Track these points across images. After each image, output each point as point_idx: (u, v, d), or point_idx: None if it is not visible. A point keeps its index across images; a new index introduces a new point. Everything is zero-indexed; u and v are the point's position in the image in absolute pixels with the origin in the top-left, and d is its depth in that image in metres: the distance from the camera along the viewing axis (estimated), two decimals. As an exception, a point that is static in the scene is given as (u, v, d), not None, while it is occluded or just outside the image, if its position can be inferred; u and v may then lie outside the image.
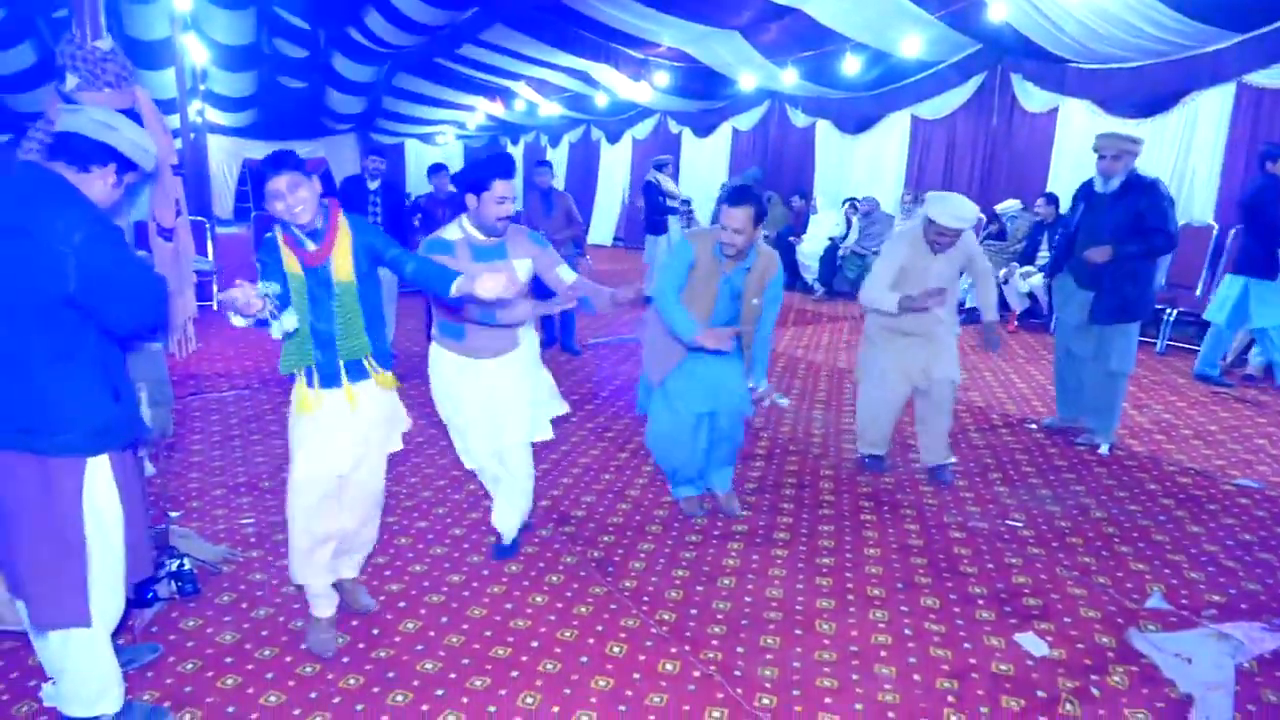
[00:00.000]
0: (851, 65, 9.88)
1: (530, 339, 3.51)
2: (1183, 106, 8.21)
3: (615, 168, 17.62)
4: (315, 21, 12.77)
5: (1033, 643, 2.91)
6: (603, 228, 17.55)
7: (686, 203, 10.87)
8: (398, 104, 17.47)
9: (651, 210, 9.85)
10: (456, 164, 22.24)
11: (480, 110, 18.22)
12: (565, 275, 3.31)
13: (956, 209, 4.02)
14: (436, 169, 7.61)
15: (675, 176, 13.81)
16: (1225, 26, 7.28)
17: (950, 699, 2.61)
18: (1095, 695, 2.63)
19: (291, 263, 2.66)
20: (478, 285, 2.57)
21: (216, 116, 16.80)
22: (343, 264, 2.71)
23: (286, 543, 3.57)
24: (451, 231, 3.25)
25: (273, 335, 2.61)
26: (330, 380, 2.78)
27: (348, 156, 19.32)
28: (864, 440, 4.63)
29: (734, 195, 3.48)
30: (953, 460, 4.54)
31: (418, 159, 21.86)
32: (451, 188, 7.22)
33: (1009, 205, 9.30)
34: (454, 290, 2.63)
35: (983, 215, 9.30)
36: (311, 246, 2.68)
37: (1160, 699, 2.61)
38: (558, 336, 7.73)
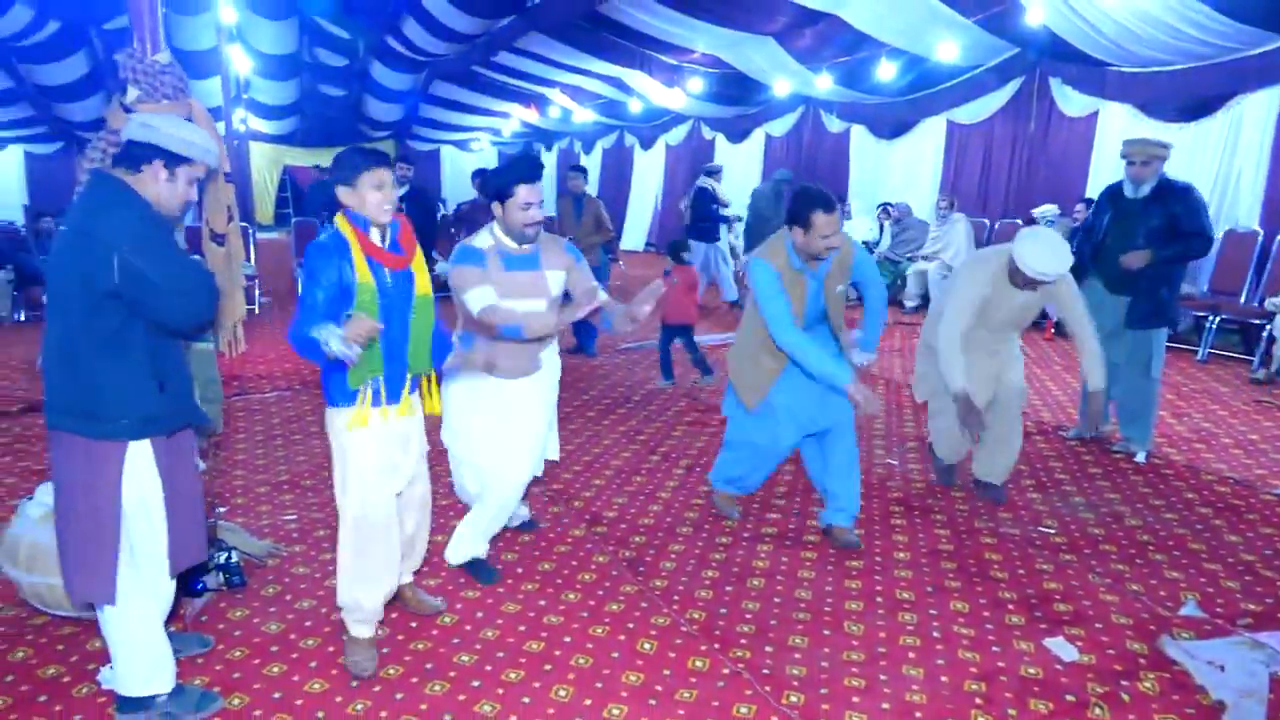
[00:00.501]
0: (887, 70, 9.87)
1: (553, 361, 3.37)
2: (1227, 110, 8.10)
3: (649, 173, 17.70)
4: (355, 31, 13.01)
5: (1062, 647, 2.92)
6: (635, 233, 17.62)
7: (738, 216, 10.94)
8: (434, 111, 17.69)
9: (701, 217, 9.90)
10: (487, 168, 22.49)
11: (515, 117, 18.40)
12: (598, 291, 3.11)
13: (1047, 258, 3.63)
14: (481, 174, 7.73)
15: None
16: (1272, 28, 7.18)
17: (978, 701, 2.62)
18: (1125, 700, 2.63)
19: (363, 269, 2.52)
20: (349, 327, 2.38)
21: (258, 124, 17.13)
22: (422, 274, 2.67)
23: (329, 538, 3.71)
24: (482, 239, 3.11)
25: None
26: (394, 396, 2.69)
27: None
28: (940, 446, 4.41)
29: (825, 199, 3.28)
30: (1006, 478, 4.31)
31: (453, 165, 22.13)
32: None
33: (1047, 209, 9.23)
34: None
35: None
36: (391, 253, 2.60)
37: (1191, 705, 2.61)
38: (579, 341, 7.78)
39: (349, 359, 2.33)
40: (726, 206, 10.19)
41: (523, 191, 2.96)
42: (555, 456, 3.59)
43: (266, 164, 19.88)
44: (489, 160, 22.70)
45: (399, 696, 2.62)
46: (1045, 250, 3.64)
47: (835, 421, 3.59)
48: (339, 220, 2.56)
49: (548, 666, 2.80)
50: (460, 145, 22.26)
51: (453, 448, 3.35)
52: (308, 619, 3.06)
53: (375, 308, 2.52)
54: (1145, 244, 4.55)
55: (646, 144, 17.56)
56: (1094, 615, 3.15)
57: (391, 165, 2.56)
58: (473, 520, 3.37)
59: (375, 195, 2.52)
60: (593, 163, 19.63)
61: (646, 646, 2.92)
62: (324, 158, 19.13)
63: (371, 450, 2.65)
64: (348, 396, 2.62)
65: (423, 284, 2.67)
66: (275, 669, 2.75)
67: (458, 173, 21.17)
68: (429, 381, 2.84)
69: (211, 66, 10.60)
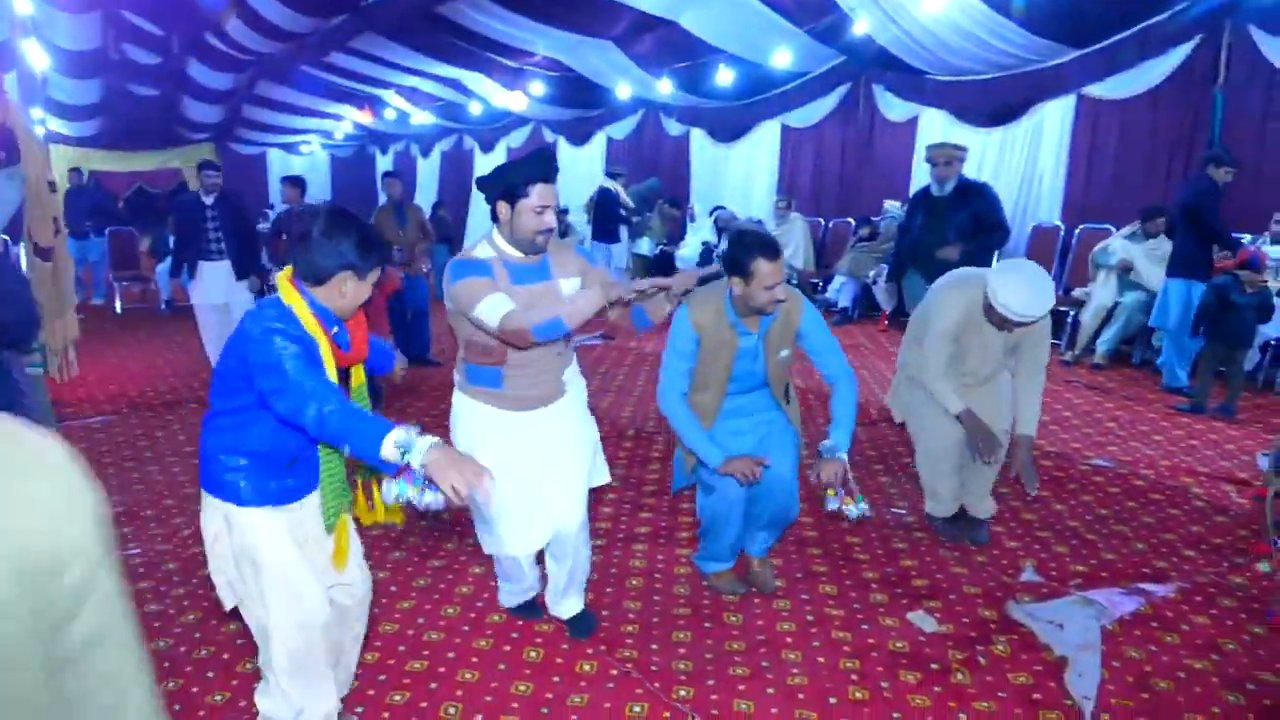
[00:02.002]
0: (725, 76, 10.18)
1: (578, 383, 2.91)
2: (1030, 116, 8.84)
3: (490, 177, 17.49)
4: (169, 27, 12.20)
5: (923, 620, 3.12)
6: (477, 237, 17.36)
7: (639, 213, 11.07)
8: (260, 112, 16.82)
9: (606, 218, 9.95)
10: (321, 175, 21.58)
11: (348, 119, 17.77)
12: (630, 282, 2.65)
13: (1026, 298, 3.16)
14: (291, 181, 7.37)
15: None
16: (1066, 42, 7.89)
17: (854, 677, 2.77)
18: (982, 664, 2.85)
19: (331, 367, 2.09)
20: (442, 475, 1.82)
21: (59, 126, 15.79)
22: (359, 369, 2.33)
23: (180, 571, 3.49)
24: (482, 250, 2.64)
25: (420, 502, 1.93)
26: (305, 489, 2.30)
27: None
28: (934, 498, 3.85)
29: (767, 244, 2.83)
30: (991, 514, 3.87)
31: (282, 169, 21.08)
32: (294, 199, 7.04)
33: (892, 205, 9.78)
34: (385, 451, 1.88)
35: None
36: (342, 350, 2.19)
37: (1039, 662, 2.85)
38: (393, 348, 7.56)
39: (437, 504, 1.90)
40: (630, 209, 10.30)
41: (538, 192, 2.53)
42: (605, 479, 3.07)
43: (68, 168, 18.32)
44: (321, 164, 21.83)
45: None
46: (1025, 288, 3.16)
47: (772, 475, 3.06)
48: (287, 292, 2.07)
49: (433, 685, 2.74)
50: (289, 148, 21.28)
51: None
52: (165, 660, 2.88)
53: None
54: (955, 237, 4.96)
55: (487, 147, 17.35)
56: (948, 588, 3.38)
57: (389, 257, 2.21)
58: (554, 574, 2.96)
59: (366, 292, 2.14)
60: (431, 166, 19.23)
61: (532, 655, 2.91)
62: (134, 161, 17.82)
63: (292, 548, 2.18)
64: (263, 495, 2.16)
65: (357, 376, 2.32)
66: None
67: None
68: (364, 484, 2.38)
69: (5, 61, 9.69)
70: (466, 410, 2.77)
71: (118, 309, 10.80)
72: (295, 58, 12.68)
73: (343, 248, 2.04)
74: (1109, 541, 3.80)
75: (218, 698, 2.67)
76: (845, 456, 2.90)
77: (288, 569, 2.15)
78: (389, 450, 1.82)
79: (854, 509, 2.89)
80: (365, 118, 17.08)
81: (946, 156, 5.05)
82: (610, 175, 10.26)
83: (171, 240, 7.43)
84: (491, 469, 2.27)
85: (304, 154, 21.49)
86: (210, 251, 6.12)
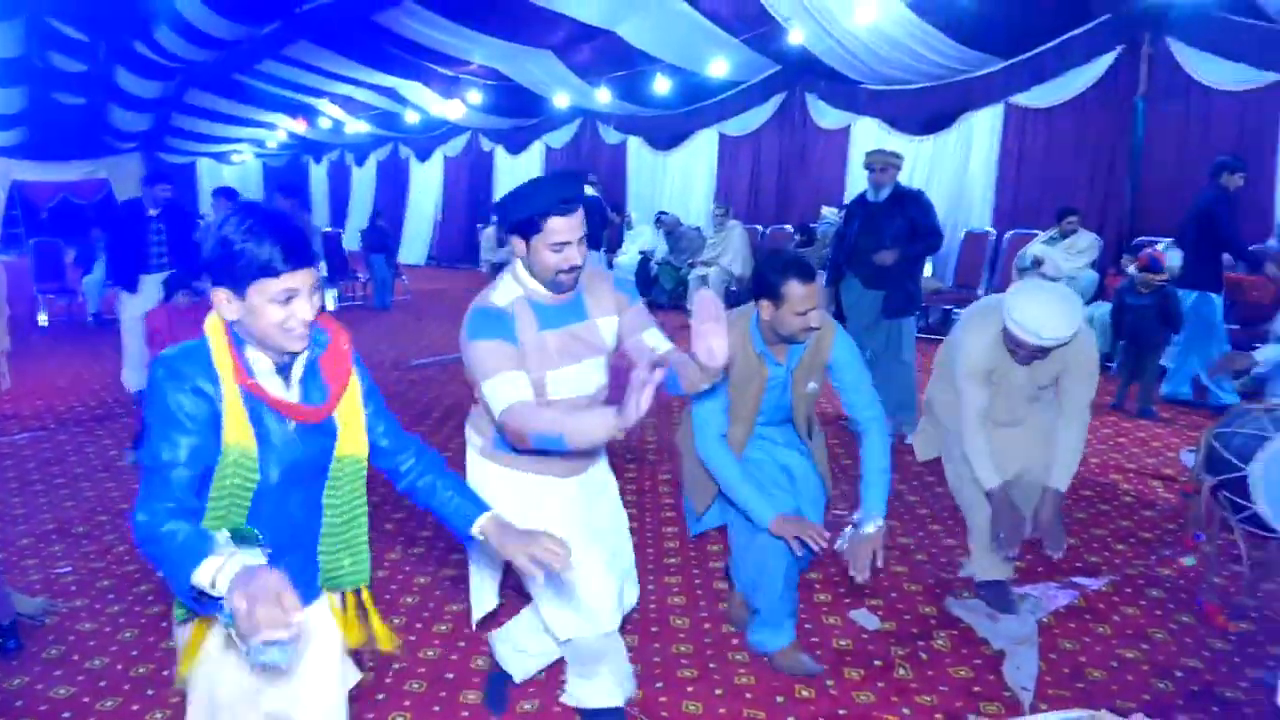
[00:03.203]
0: (662, 85, 10.27)
1: (602, 463, 2.52)
2: (960, 124, 9.10)
3: (427, 186, 17.35)
4: (95, 34, 11.87)
5: (866, 618, 3.18)
6: (416, 247, 17.20)
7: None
8: (189, 121, 16.45)
9: (594, 226, 9.93)
10: (254, 184, 21.14)
11: (281, 128, 17.46)
12: (655, 342, 2.26)
13: (1044, 317, 2.72)
14: (223, 194, 7.15)
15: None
16: (993, 53, 8.15)
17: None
18: (923, 659, 2.91)
19: (237, 417, 1.52)
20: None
21: (-21, 135, 15.25)
22: (353, 424, 1.69)
23: (115, 588, 3.40)
24: (504, 292, 2.19)
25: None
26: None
27: (133, 177, 17.94)
28: (980, 564, 3.25)
29: (801, 267, 2.54)
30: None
31: (212, 179, 20.59)
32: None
33: (829, 212, 9.93)
34: (476, 531, 1.73)
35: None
36: (295, 396, 1.62)
37: (978, 656, 2.93)
38: None
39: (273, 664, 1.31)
40: (618, 212, 10.36)
41: (553, 227, 2.08)
42: (633, 601, 2.54)
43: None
44: (252, 173, 21.37)
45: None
46: (1043, 306, 2.74)
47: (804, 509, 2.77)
48: (211, 322, 1.57)
49: (380, 696, 2.71)
50: (219, 158, 20.82)
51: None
52: (101, 679, 2.79)
53: (248, 480, 1.54)
54: (891, 242, 5.07)
55: (423, 156, 17.21)
56: (889, 586, 3.45)
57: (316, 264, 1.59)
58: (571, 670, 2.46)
59: (275, 312, 1.52)
60: (366, 175, 18.99)
61: (480, 663, 2.89)
62: (60, 172, 17.28)
63: (228, 677, 1.65)
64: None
65: (347, 441, 1.68)
66: (70, 736, 2.50)
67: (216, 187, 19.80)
68: (353, 600, 1.76)
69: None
70: (498, 481, 2.31)
71: (42, 322, 10.43)
72: (226, 66, 12.44)
73: (216, 246, 1.52)
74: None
75: (158, 715, 2.60)
76: (883, 524, 2.60)
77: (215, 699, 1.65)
78: (201, 576, 1.35)
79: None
80: (299, 127, 16.80)
81: (883, 163, 5.17)
82: (589, 182, 10.31)
83: (104, 251, 7.11)
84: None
85: (235, 163, 21.05)
86: (152, 265, 5.94)
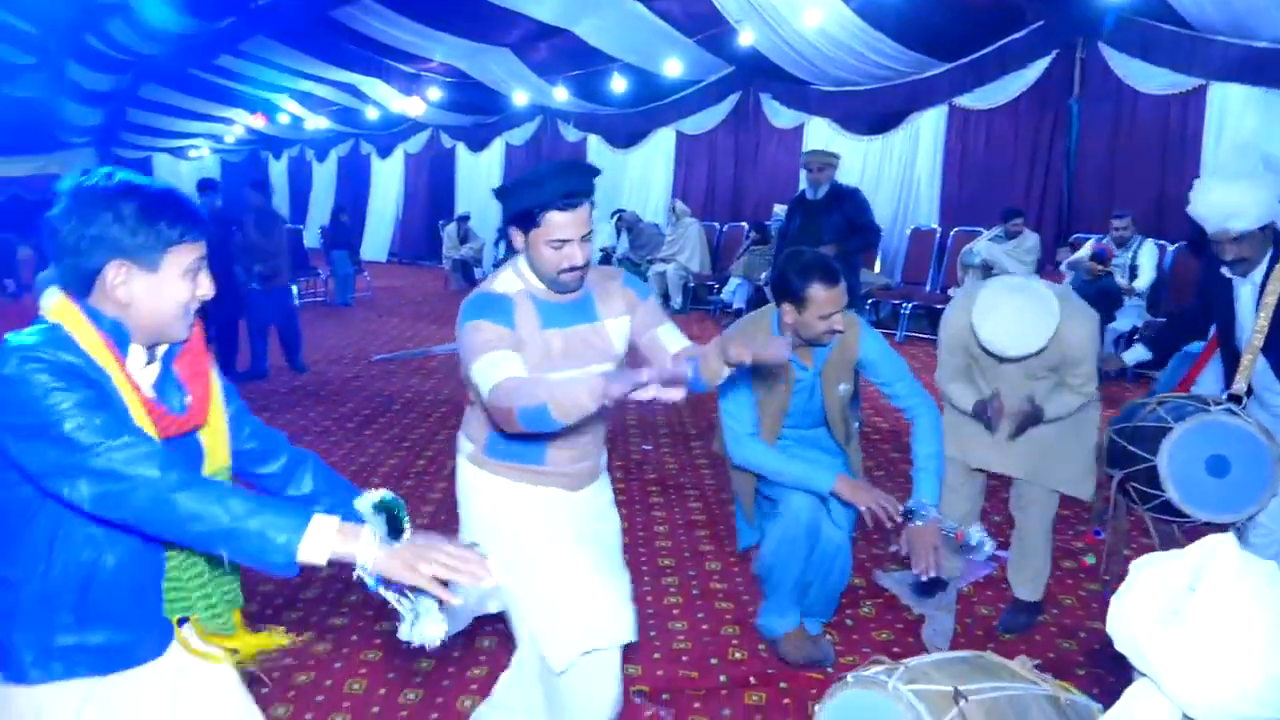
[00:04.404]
0: (619, 84, 10.45)
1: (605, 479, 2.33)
2: (907, 125, 9.40)
3: (388, 182, 17.37)
4: (45, 26, 11.76)
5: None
6: (377, 243, 17.19)
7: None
8: (145, 116, 16.30)
9: None
10: (213, 177, 20.95)
11: (240, 123, 17.37)
12: (669, 340, 2.10)
13: (1003, 331, 2.67)
14: (207, 186, 7.18)
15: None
16: (936, 56, 8.44)
17: (734, 641, 3.04)
18: (849, 624, 3.15)
19: (139, 414, 1.35)
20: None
21: (-75, 129, 15.01)
22: (218, 432, 1.52)
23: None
24: (506, 281, 2.06)
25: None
26: (149, 653, 1.45)
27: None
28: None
29: (825, 269, 2.48)
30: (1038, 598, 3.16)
31: (169, 174, 20.39)
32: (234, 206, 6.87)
33: (781, 209, 10.18)
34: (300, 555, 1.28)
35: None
36: (173, 399, 1.44)
37: (900, 621, 3.17)
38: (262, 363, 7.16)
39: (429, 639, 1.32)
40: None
41: (556, 221, 1.92)
42: (631, 636, 2.16)
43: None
44: (209, 169, 21.18)
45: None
46: (1009, 319, 2.66)
47: (830, 531, 2.72)
48: (63, 311, 1.36)
49: (319, 698, 2.87)
50: (176, 153, 20.64)
51: (535, 595, 2.08)
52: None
53: None
54: (830, 238, 5.31)
55: (384, 152, 17.22)
56: (824, 561, 3.68)
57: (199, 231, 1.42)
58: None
59: (182, 288, 1.40)
60: (327, 171, 18.95)
61: (424, 665, 3.05)
62: (9, 167, 17.05)
63: None
64: (47, 667, 1.36)
65: (214, 454, 1.50)
66: None
67: (173, 182, 19.47)
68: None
69: None
70: (491, 491, 2.15)
71: (-6, 320, 10.35)
72: (182, 60, 12.38)
73: (103, 223, 1.33)
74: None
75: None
76: (938, 513, 2.48)
77: None
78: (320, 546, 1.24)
79: (977, 536, 2.45)
80: (258, 122, 16.73)
81: (820, 163, 5.41)
82: None
83: None
84: (541, 556, 1.98)
85: (192, 159, 20.89)
86: None
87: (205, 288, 1.42)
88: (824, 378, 2.68)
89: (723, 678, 2.85)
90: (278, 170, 20.39)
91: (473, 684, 2.80)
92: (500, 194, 2.01)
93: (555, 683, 2.09)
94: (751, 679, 2.85)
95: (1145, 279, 6.74)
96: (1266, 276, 2.74)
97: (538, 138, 14.02)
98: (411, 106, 13.34)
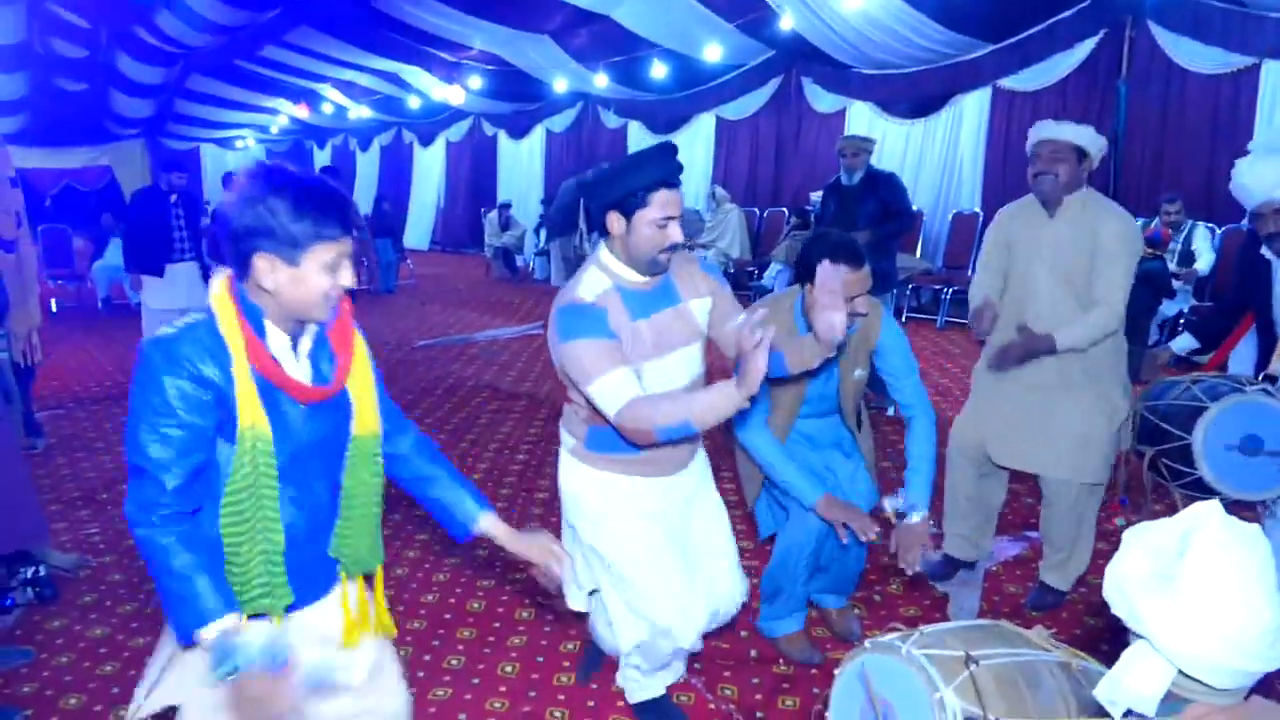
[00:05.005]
0: (659, 69, 10.47)
1: (700, 444, 2.43)
2: (950, 108, 9.30)
3: (430, 171, 17.58)
4: (96, 19, 12.06)
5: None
6: (419, 231, 17.43)
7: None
8: (192, 107, 16.63)
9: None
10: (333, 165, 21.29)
11: (284, 113, 17.66)
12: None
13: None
14: (232, 179, 7.18)
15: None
16: (980, 37, 8.34)
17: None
18: (877, 600, 3.21)
19: (249, 399, 1.48)
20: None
21: (-14, 122, 15.45)
22: (366, 398, 1.66)
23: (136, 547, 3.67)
24: (590, 285, 2.10)
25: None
26: (314, 593, 1.66)
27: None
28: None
29: (851, 251, 2.42)
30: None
31: (216, 164, 20.75)
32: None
33: (819, 195, 10.16)
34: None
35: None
36: (305, 371, 1.58)
37: (928, 597, 3.22)
38: None
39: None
40: None
41: (660, 201, 2.02)
42: (743, 595, 2.46)
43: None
44: (254, 159, 21.53)
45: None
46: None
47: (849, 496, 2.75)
48: (218, 298, 1.50)
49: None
50: (223, 144, 21.01)
51: (627, 576, 2.24)
52: (133, 621, 3.08)
53: (270, 466, 1.51)
54: (864, 224, 5.32)
55: (426, 140, 17.41)
56: (856, 541, 3.72)
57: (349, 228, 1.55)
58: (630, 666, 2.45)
59: (322, 280, 1.50)
60: (370, 160, 19.21)
61: (508, 669, 3.16)
62: (63, 158, 17.47)
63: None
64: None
65: (364, 418, 1.65)
66: (108, 668, 2.78)
67: (220, 173, 19.89)
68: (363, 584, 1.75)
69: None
70: (592, 484, 2.27)
71: (52, 308, 10.71)
72: (228, 51, 12.62)
73: (256, 215, 1.45)
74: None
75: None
76: (927, 514, 2.54)
77: None
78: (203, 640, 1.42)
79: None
80: (302, 112, 16.99)
81: (854, 148, 5.41)
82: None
83: (121, 238, 6.96)
84: (638, 537, 2.17)
85: (238, 149, 21.22)
86: (175, 251, 5.97)
87: (347, 279, 1.52)
88: (842, 362, 2.67)
89: (753, 652, 2.91)
90: (321, 159, 20.70)
91: (502, 684, 2.74)
92: (596, 183, 2.08)
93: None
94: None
95: (1205, 262, 6.65)
96: None
97: (578, 124, 14.08)
98: (453, 95, 13.47)
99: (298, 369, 1.56)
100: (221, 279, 1.51)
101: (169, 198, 6.02)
